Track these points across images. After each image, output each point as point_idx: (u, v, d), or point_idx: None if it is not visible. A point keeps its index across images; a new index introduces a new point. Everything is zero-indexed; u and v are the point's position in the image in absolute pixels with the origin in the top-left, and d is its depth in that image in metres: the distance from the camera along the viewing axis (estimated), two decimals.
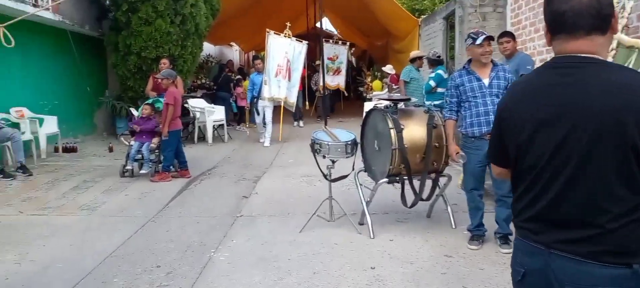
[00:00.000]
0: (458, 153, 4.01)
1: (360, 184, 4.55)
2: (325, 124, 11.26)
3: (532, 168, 1.54)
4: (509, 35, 5.42)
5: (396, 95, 4.65)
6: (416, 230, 4.49)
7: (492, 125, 4.05)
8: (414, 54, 8.85)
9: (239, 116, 11.94)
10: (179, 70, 9.67)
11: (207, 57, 15.71)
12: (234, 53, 20.63)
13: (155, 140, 6.56)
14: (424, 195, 4.33)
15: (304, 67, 10.58)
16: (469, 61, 4.12)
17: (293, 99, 9.75)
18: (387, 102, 4.45)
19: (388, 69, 11.59)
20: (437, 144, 4.23)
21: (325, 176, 4.51)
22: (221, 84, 12.38)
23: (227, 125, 11.12)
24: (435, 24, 10.18)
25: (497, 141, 1.69)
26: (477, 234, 4.16)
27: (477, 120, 3.95)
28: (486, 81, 3.98)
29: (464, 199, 5.28)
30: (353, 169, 4.60)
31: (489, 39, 3.93)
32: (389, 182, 4.30)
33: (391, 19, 12.58)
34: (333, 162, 4.45)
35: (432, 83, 7.28)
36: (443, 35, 9.60)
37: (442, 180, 4.45)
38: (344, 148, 4.33)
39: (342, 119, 13.46)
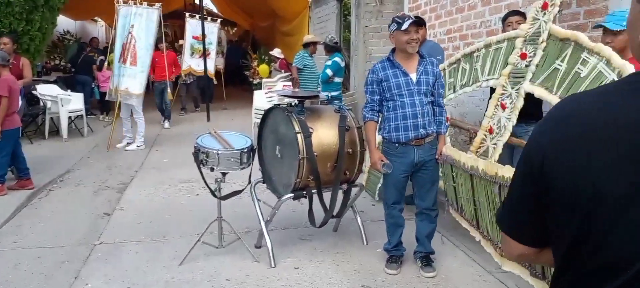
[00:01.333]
0: (382, 162, 3.29)
1: (258, 199, 3.65)
2: (208, 118, 10.15)
3: (616, 269, 0.87)
4: (419, 22, 4.83)
5: (302, 91, 3.82)
6: (324, 251, 3.74)
7: (421, 131, 3.46)
8: (307, 38, 8.08)
9: (102, 104, 10.21)
10: (24, 50, 7.84)
11: (64, 33, 13.43)
12: (99, 29, 18.15)
13: None
14: (335, 210, 3.56)
15: (162, 48, 8.77)
16: (393, 51, 3.42)
17: (137, 88, 7.24)
18: (291, 99, 3.58)
19: (276, 53, 10.72)
20: (350, 150, 3.48)
21: (213, 193, 3.53)
22: (80, 65, 10.49)
23: (88, 115, 9.42)
24: (328, 6, 9.52)
25: (529, 204, 1.02)
26: (395, 255, 3.52)
27: (404, 123, 3.26)
28: (414, 77, 3.31)
29: (371, 206, 4.70)
30: (249, 182, 3.68)
31: (417, 23, 3.24)
32: (294, 198, 3.46)
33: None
34: (224, 174, 3.49)
35: (329, 72, 6.57)
36: (337, 19, 8.98)
37: (354, 191, 3.73)
38: (238, 158, 3.39)
39: (227, 107, 12.34)
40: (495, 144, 3.41)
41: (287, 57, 10.95)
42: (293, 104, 3.57)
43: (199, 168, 3.44)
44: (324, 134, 3.43)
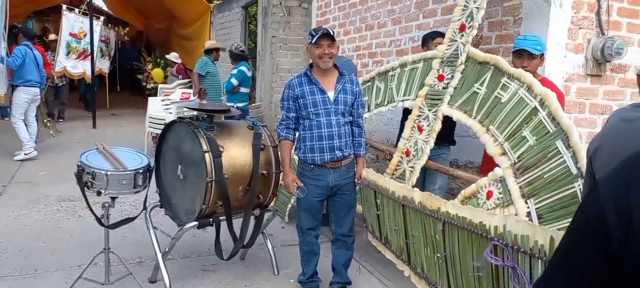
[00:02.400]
0: (296, 184, 3.02)
1: (154, 227, 3.18)
2: (94, 125, 9.18)
3: None
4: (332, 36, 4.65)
5: (212, 104, 3.40)
6: (230, 284, 3.36)
7: (337, 153, 3.22)
8: (210, 44, 7.60)
9: None
10: None
11: None
12: None
13: None
14: (246, 239, 3.21)
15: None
16: (310, 66, 3.17)
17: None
18: (196, 112, 3.17)
19: (173, 57, 10.02)
20: (265, 172, 3.16)
21: (99, 221, 3.00)
22: None
23: None
24: (232, 12, 9.10)
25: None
26: (310, 287, 3.26)
27: (319, 144, 3.02)
28: (331, 95, 3.08)
29: (280, 228, 4.39)
30: (144, 208, 3.19)
31: (329, 37, 3.01)
32: (199, 227, 3.05)
33: (179, 1, 11.00)
34: (113, 198, 2.98)
35: (235, 81, 6.18)
36: (242, 27, 8.59)
37: (266, 215, 3.40)
38: (132, 180, 2.91)
39: (116, 112, 11.32)
40: (412, 167, 3.30)
41: (185, 62, 10.30)
42: (200, 117, 3.16)
43: (83, 192, 2.89)
44: (236, 153, 3.07)
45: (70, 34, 9.50)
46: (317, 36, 2.96)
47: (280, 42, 7.32)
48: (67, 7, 9.67)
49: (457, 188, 3.70)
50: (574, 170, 2.26)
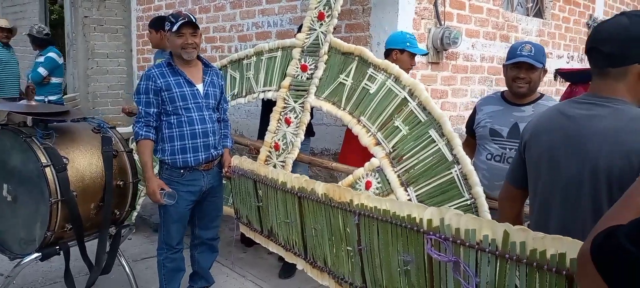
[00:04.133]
0: (164, 191, 2.66)
1: None
2: None
3: None
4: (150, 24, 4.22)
5: (45, 106, 2.70)
6: None
7: (212, 152, 2.91)
8: None
9: None
10: None
11: None
12: None
13: None
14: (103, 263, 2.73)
15: None
16: (171, 55, 2.81)
17: None
18: (27, 115, 2.52)
19: None
20: (120, 182, 2.71)
21: None
22: None
23: None
24: None
25: None
26: None
27: (193, 143, 2.72)
28: (201, 88, 2.79)
29: (128, 241, 3.82)
30: None
31: (191, 25, 2.71)
32: (43, 258, 2.48)
33: None
34: None
35: (43, 71, 5.20)
36: (40, 5, 7.27)
37: (123, 232, 2.94)
38: None
39: None
40: (283, 162, 3.20)
41: None
42: (27, 123, 2.55)
43: None
44: (83, 163, 2.56)
45: None
46: (177, 24, 2.62)
47: (95, 23, 6.43)
48: None
49: (315, 177, 3.73)
50: (449, 157, 2.43)
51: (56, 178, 2.38)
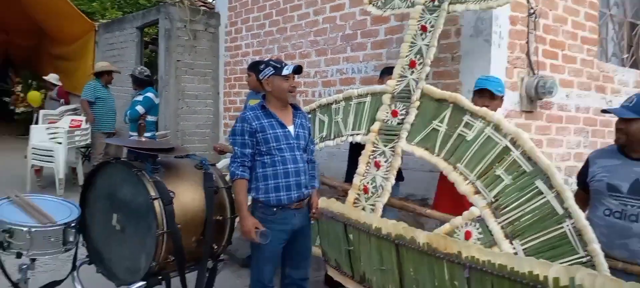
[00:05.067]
0: (258, 230, 2.71)
1: None
2: None
3: None
4: (250, 68, 4.44)
5: (154, 142, 2.92)
6: None
7: (304, 191, 2.97)
8: (101, 66, 6.85)
9: None
10: None
11: None
12: None
13: None
14: None
15: None
16: (263, 98, 2.92)
17: None
18: (137, 149, 2.70)
19: (53, 79, 8.86)
20: (219, 217, 2.80)
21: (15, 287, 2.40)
22: None
23: None
24: (123, 33, 8.33)
25: None
26: None
27: (286, 182, 2.77)
28: (291, 130, 2.87)
29: None
30: (74, 267, 2.63)
31: (299, 71, 2.83)
32: (147, 287, 2.58)
33: (53, 17, 9.81)
34: (33, 260, 2.40)
35: (141, 109, 5.57)
36: (136, 49, 7.88)
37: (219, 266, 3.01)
38: (61, 236, 2.38)
39: None
40: (372, 205, 3.18)
41: (64, 85, 9.18)
42: (138, 158, 2.71)
43: None
44: (187, 198, 2.68)
45: None
46: (290, 69, 2.75)
47: (186, 66, 6.85)
48: None
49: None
50: (560, 211, 2.30)
51: (163, 211, 2.49)
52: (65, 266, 3.60)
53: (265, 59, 2.95)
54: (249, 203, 3.00)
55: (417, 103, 3.25)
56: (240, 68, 6.63)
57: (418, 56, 3.42)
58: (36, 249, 2.31)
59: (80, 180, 6.41)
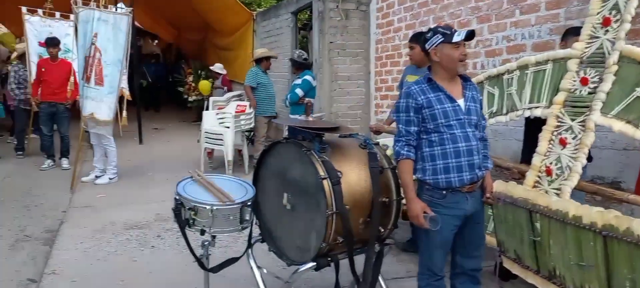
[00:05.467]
0: (427, 214, 2.52)
1: (258, 267, 2.74)
2: (141, 140, 8.85)
3: None
4: (415, 38, 4.16)
5: (321, 122, 2.95)
6: None
7: (477, 172, 2.72)
8: (260, 52, 7.19)
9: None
10: None
11: None
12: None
13: None
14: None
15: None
16: (429, 70, 2.69)
17: (105, 113, 5.72)
18: (302, 128, 2.69)
19: (218, 68, 9.69)
20: (385, 199, 2.68)
21: (201, 264, 2.57)
22: None
23: None
24: (279, 19, 8.70)
25: None
26: None
27: (457, 163, 2.53)
28: (462, 103, 2.60)
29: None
30: (249, 245, 2.75)
31: (471, 37, 2.55)
32: (317, 268, 2.58)
33: (216, 11, 10.66)
34: (213, 236, 2.54)
35: (300, 92, 5.73)
36: (291, 33, 8.16)
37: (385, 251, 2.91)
38: (238, 215, 2.47)
39: (158, 126, 11.04)
40: (557, 189, 2.78)
41: (228, 73, 9.95)
42: (308, 137, 2.70)
43: (184, 232, 2.47)
44: (354, 178, 2.60)
45: (40, 44, 7.31)
46: (459, 34, 2.49)
47: (338, 48, 6.87)
48: (27, 10, 7.38)
49: None
50: None
51: (332, 191, 2.45)
52: (236, 243, 3.85)
53: (432, 27, 2.70)
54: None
55: (615, 67, 2.75)
56: (392, 44, 6.45)
57: (614, 12, 2.88)
58: (217, 227, 2.44)
59: (246, 161, 6.86)
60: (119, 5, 6.20)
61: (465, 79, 2.71)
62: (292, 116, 5.82)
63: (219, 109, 7.45)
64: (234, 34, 11.02)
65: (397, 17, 6.31)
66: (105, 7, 5.86)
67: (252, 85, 6.89)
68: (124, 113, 6.82)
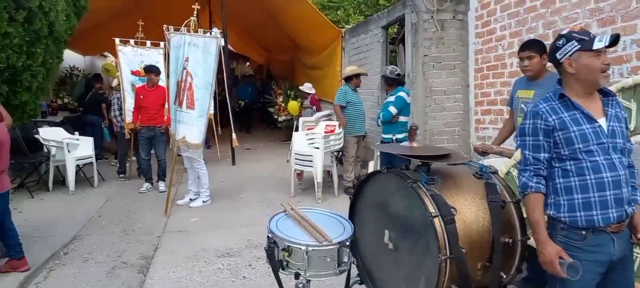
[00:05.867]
0: (563, 260, 2.07)
1: None
2: (234, 162, 8.96)
3: None
4: (533, 46, 3.64)
5: (429, 148, 2.61)
6: None
7: (626, 208, 2.14)
8: (350, 70, 6.96)
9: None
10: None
11: (70, 69, 12.43)
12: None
13: None
14: None
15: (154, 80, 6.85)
16: (560, 83, 2.25)
17: (196, 137, 5.72)
18: (406, 155, 2.35)
19: (306, 88, 9.63)
20: (508, 240, 2.26)
21: None
22: (88, 104, 9.41)
23: (98, 159, 8.30)
24: (368, 35, 8.42)
25: None
26: None
27: (600, 197, 2.06)
28: (603, 123, 2.13)
29: None
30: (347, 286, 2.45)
31: (615, 42, 2.08)
32: None
33: (305, 30, 10.64)
34: (308, 281, 2.27)
35: (394, 110, 5.38)
36: (382, 48, 7.84)
37: None
38: (336, 256, 2.18)
39: (250, 146, 11.19)
40: None
41: (316, 92, 9.85)
42: (412, 165, 2.36)
43: (277, 276, 2.22)
44: (470, 215, 2.21)
45: (132, 73, 7.70)
46: (600, 40, 2.04)
47: (433, 61, 6.44)
48: (120, 41, 7.72)
49: None
50: None
51: (445, 231, 2.08)
52: (330, 280, 3.56)
53: (563, 32, 2.25)
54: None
55: None
56: (495, 55, 5.90)
57: None
58: (312, 270, 2.17)
59: (335, 182, 6.62)
60: (213, 29, 6.26)
61: (605, 93, 2.24)
62: (385, 136, 5.48)
63: (309, 129, 7.29)
64: (323, 53, 10.93)
65: (499, 24, 5.77)
66: (196, 31, 5.94)
67: (341, 104, 6.67)
68: (234, 135, 6.83)
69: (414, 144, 2.41)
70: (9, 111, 6.43)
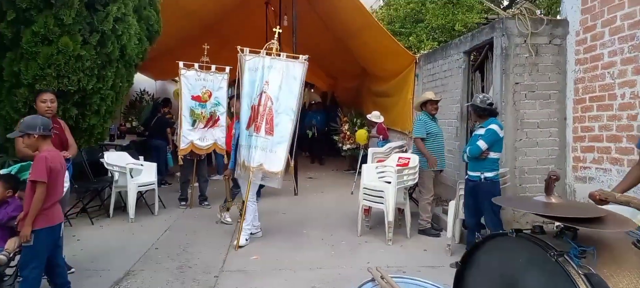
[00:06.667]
0: None
1: None
2: (296, 192, 8.50)
3: None
4: None
5: (579, 205, 1.98)
6: None
7: None
8: (427, 96, 6.34)
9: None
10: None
11: (141, 93, 12.61)
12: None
13: (11, 243, 3.52)
14: None
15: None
16: None
17: (276, 165, 5.37)
18: (544, 216, 1.72)
19: (374, 116, 9.06)
20: None
21: None
22: (154, 128, 9.35)
23: (161, 185, 8.11)
24: (447, 60, 7.77)
25: None
26: None
27: None
28: None
29: None
30: None
31: None
32: None
33: (378, 57, 10.13)
34: None
35: (483, 144, 4.67)
36: (463, 75, 7.16)
37: None
38: None
39: (313, 175, 10.73)
40: None
41: (384, 120, 9.25)
42: (555, 226, 1.72)
43: None
44: None
45: (193, 98, 7.42)
46: None
47: (526, 89, 5.69)
48: (184, 64, 7.48)
49: None
50: None
51: None
52: None
53: None
54: None
55: None
56: (600, 84, 5.09)
57: None
58: None
59: (408, 222, 5.96)
60: (301, 56, 5.82)
61: None
62: (471, 174, 4.77)
63: (379, 161, 6.70)
64: (393, 79, 10.35)
65: (607, 50, 4.97)
66: (278, 55, 5.59)
67: (422, 136, 6.03)
68: (291, 161, 6.34)
69: (552, 200, 1.76)
70: (77, 135, 6.35)
